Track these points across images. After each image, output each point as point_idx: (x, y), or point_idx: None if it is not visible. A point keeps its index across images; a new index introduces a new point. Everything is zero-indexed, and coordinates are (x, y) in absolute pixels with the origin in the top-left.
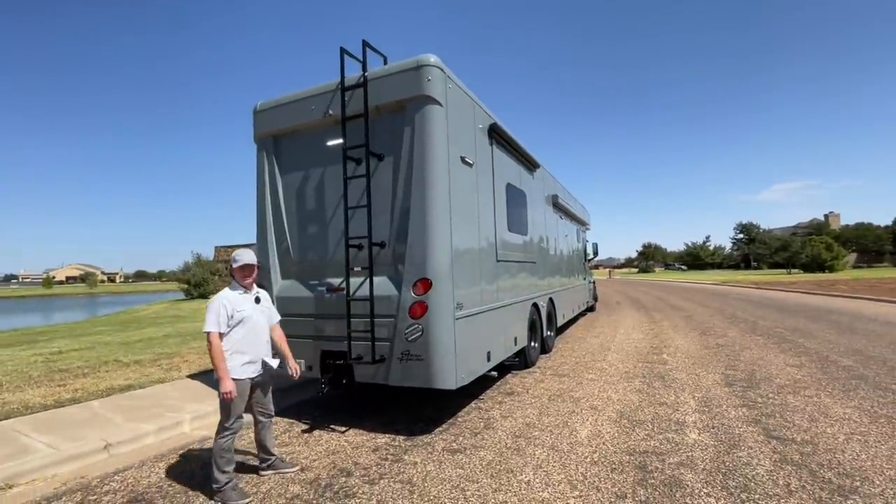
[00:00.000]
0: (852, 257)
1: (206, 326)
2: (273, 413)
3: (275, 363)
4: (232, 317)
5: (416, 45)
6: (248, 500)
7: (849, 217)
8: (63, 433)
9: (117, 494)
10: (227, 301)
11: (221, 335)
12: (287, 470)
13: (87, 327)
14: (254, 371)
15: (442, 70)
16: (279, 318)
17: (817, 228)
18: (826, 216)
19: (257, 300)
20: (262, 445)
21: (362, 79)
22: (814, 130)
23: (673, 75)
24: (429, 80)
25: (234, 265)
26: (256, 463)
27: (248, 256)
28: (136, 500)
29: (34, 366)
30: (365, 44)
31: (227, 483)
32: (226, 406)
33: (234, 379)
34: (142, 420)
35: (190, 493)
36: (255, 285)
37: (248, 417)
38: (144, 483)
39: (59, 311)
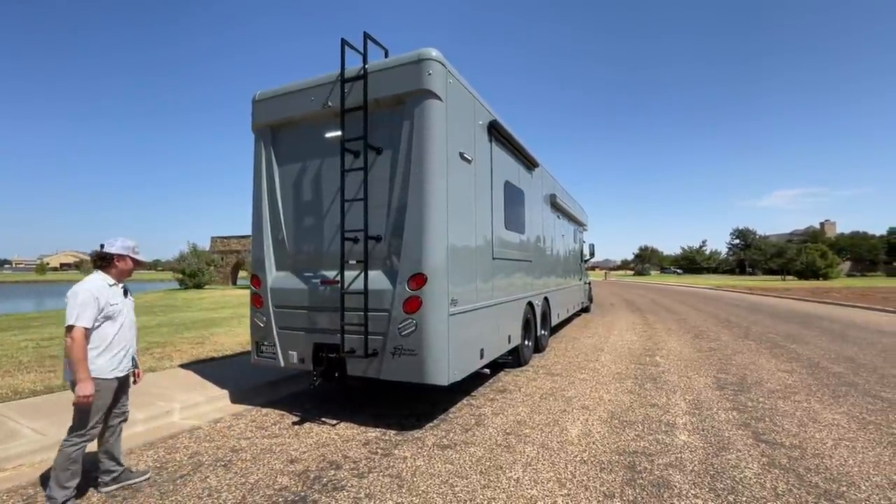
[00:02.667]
0: (846, 266)
1: (73, 320)
2: (128, 415)
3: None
4: (103, 310)
5: (419, 31)
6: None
7: (846, 226)
8: (52, 419)
9: None
10: (99, 293)
11: (87, 331)
12: (137, 480)
13: None
14: (124, 369)
15: (443, 64)
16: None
17: (813, 236)
18: (822, 224)
19: (125, 292)
20: (109, 454)
21: (362, 71)
22: (815, 138)
23: (675, 76)
24: (429, 74)
25: (132, 256)
26: (98, 477)
27: (135, 249)
28: (124, 487)
29: (25, 351)
30: (366, 36)
31: (65, 501)
32: (85, 409)
33: (103, 379)
34: (131, 408)
35: (177, 481)
36: None
37: None
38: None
39: (52, 297)
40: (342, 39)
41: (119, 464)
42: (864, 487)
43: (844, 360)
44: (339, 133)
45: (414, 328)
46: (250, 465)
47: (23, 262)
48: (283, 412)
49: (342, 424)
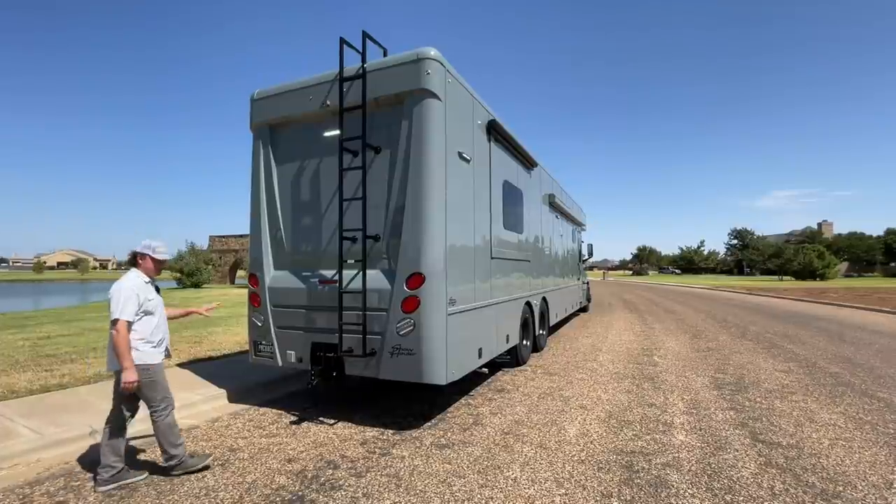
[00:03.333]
0: (843, 266)
1: (118, 314)
2: (137, 413)
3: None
4: (143, 305)
5: (417, 30)
6: (210, 458)
7: (843, 226)
8: (48, 418)
9: None
10: (139, 290)
11: (130, 324)
12: (134, 479)
13: (76, 313)
14: (160, 357)
15: (442, 64)
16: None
17: (810, 237)
18: (819, 224)
19: (157, 289)
20: (114, 449)
21: (361, 70)
22: (813, 138)
23: (673, 75)
24: (428, 73)
25: (157, 256)
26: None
27: (168, 253)
28: (120, 487)
29: (21, 350)
30: (365, 35)
31: (183, 454)
32: (151, 388)
33: (155, 363)
34: None
35: (175, 480)
36: None
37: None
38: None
39: (49, 296)
40: (341, 38)
41: (122, 460)
42: (860, 487)
43: (841, 360)
44: (337, 132)
45: (412, 328)
46: (248, 465)
47: (20, 260)
48: (280, 411)
49: (340, 424)
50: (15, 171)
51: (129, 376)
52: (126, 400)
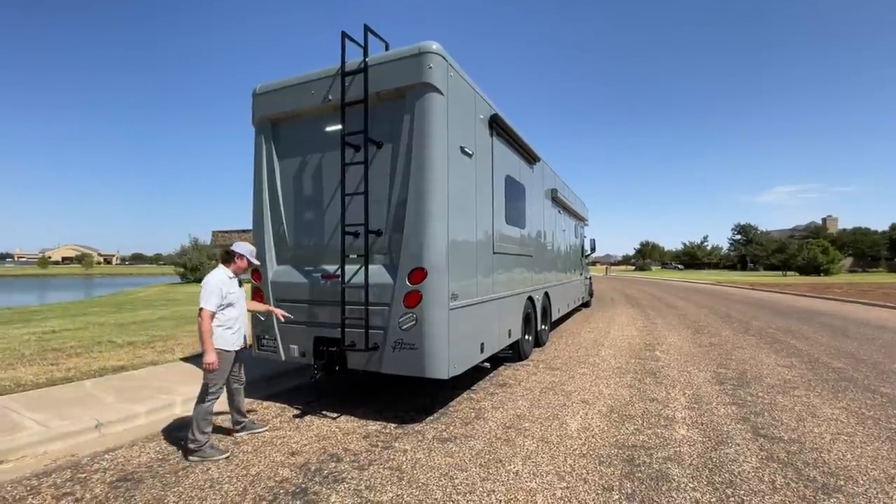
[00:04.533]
0: (848, 261)
1: (203, 304)
2: (245, 380)
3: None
4: (225, 298)
5: (418, 25)
6: (227, 454)
7: (847, 221)
8: (54, 411)
9: (107, 472)
10: (223, 284)
11: (213, 314)
12: (258, 430)
13: (81, 308)
14: (238, 344)
15: (444, 58)
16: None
17: (815, 232)
18: (824, 220)
19: (240, 283)
20: (238, 409)
21: (363, 64)
22: (813, 134)
23: (673, 70)
24: (430, 67)
25: (249, 258)
26: (230, 426)
27: (254, 257)
28: (126, 479)
29: (27, 344)
30: (367, 29)
31: (206, 442)
32: (212, 374)
33: (225, 350)
34: (134, 401)
35: (179, 472)
36: None
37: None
38: (135, 462)
39: (54, 290)
40: (343, 32)
41: (244, 416)
42: (861, 482)
43: (844, 355)
44: (339, 127)
45: (414, 322)
46: (251, 457)
47: (25, 255)
48: (283, 405)
49: (343, 418)
50: (20, 166)
51: (209, 358)
52: (223, 369)
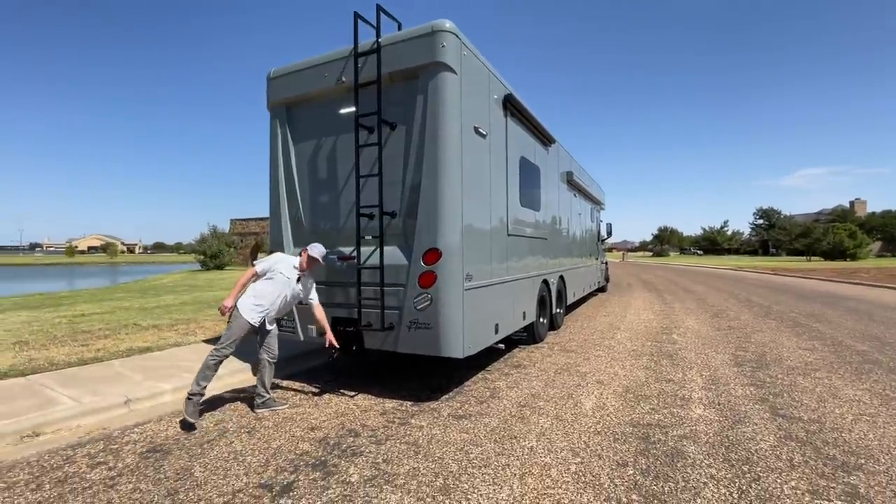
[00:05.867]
0: (876, 246)
1: (255, 263)
2: (276, 356)
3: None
4: (272, 270)
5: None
6: (194, 421)
7: (878, 205)
8: (86, 388)
9: (137, 444)
10: (280, 260)
11: (256, 276)
12: (278, 407)
13: (107, 293)
14: (256, 319)
15: (457, 36)
16: (316, 300)
17: (841, 215)
18: (851, 203)
19: (298, 279)
20: (262, 383)
21: (376, 45)
22: (842, 114)
23: (697, 56)
24: (443, 46)
25: (310, 253)
26: (251, 401)
27: (320, 255)
28: (155, 450)
29: (58, 326)
30: (379, 8)
31: (195, 395)
32: (227, 330)
33: (240, 314)
34: (159, 379)
35: (205, 445)
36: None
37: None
38: (162, 435)
39: (81, 277)
40: (355, 13)
41: (267, 392)
42: (883, 460)
43: (870, 338)
44: (353, 109)
45: (429, 302)
46: (272, 432)
47: (53, 245)
48: (302, 384)
49: (360, 396)
50: (47, 161)
51: (226, 302)
52: (234, 330)
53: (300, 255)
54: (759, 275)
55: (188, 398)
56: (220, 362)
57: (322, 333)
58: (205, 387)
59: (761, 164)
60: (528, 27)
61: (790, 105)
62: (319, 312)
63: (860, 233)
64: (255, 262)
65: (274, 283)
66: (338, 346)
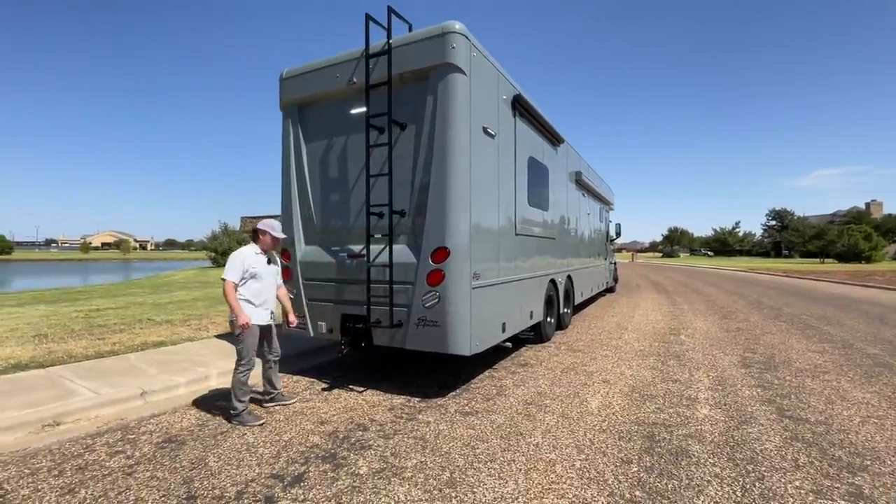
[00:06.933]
0: (892, 248)
1: (225, 274)
2: (279, 354)
3: (271, 316)
4: (247, 270)
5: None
6: (262, 421)
7: (893, 206)
8: (103, 380)
9: (153, 434)
10: (245, 258)
11: (236, 285)
12: (289, 402)
13: (122, 289)
14: (263, 319)
15: (467, 38)
16: (281, 281)
17: (857, 217)
18: (867, 204)
19: (268, 261)
20: (269, 381)
21: (386, 46)
22: (861, 113)
23: (717, 54)
24: (453, 47)
25: (272, 233)
26: (260, 397)
27: (282, 233)
28: (171, 441)
29: (75, 321)
30: (390, 10)
31: (243, 409)
32: (242, 344)
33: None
34: (173, 372)
35: (218, 436)
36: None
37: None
38: (177, 427)
39: (95, 273)
40: (366, 14)
41: (275, 388)
42: (889, 462)
43: (881, 342)
44: (363, 109)
45: (437, 300)
46: (283, 425)
47: (67, 241)
48: (312, 379)
49: (369, 391)
50: (62, 158)
51: (241, 319)
52: (249, 341)
53: (255, 241)
54: (770, 277)
55: (236, 416)
56: (249, 375)
57: (299, 318)
58: (248, 401)
59: (776, 165)
60: (528, 28)
61: (808, 105)
62: (282, 293)
63: (876, 235)
64: (223, 278)
65: (258, 279)
66: (292, 322)
